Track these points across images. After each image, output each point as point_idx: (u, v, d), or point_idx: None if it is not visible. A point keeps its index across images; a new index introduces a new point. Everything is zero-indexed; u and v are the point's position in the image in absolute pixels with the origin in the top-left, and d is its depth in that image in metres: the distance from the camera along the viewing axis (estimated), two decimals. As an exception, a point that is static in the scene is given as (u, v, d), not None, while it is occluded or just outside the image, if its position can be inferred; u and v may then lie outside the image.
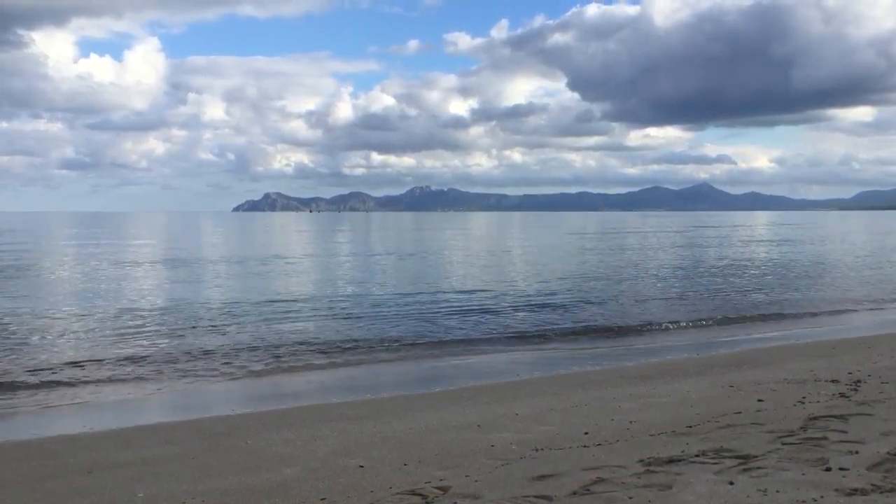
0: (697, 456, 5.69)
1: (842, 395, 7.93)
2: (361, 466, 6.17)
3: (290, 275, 29.57)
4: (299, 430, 7.69)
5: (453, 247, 52.41)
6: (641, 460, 5.68)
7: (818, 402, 7.65)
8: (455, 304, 19.85)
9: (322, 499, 5.39)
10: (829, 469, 5.09)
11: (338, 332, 15.54)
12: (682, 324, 16.79)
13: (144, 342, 14.30)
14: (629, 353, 13.44)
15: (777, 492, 4.68)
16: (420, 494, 5.18)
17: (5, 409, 9.64)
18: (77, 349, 13.54)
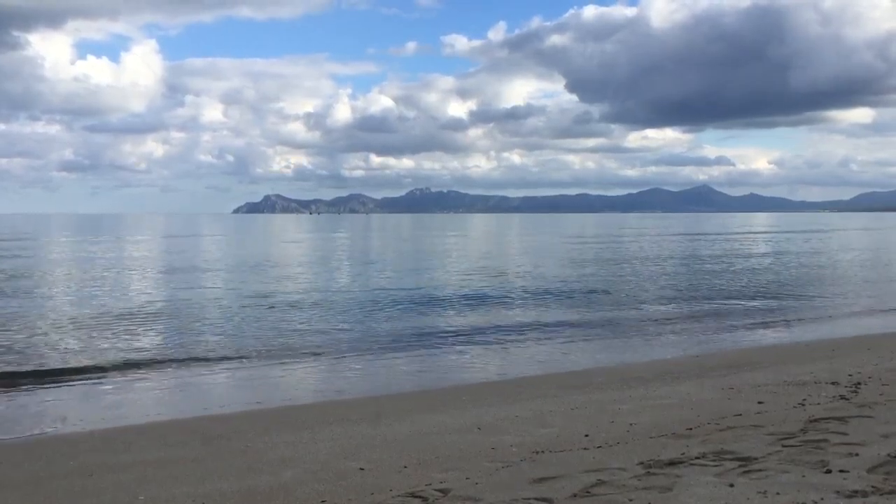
0: (698, 458, 5.69)
1: (842, 397, 7.93)
2: (362, 469, 6.17)
3: (290, 276, 29.53)
4: (299, 432, 7.69)
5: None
6: (642, 463, 5.68)
7: (818, 404, 7.65)
8: (454, 302, 19.89)
9: (322, 501, 5.39)
10: (829, 471, 5.09)
11: (340, 334, 15.53)
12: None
13: (145, 344, 14.29)
14: (629, 354, 13.42)
15: (777, 494, 4.68)
16: (420, 497, 5.18)
17: (6, 409, 9.63)
18: (78, 350, 13.52)
